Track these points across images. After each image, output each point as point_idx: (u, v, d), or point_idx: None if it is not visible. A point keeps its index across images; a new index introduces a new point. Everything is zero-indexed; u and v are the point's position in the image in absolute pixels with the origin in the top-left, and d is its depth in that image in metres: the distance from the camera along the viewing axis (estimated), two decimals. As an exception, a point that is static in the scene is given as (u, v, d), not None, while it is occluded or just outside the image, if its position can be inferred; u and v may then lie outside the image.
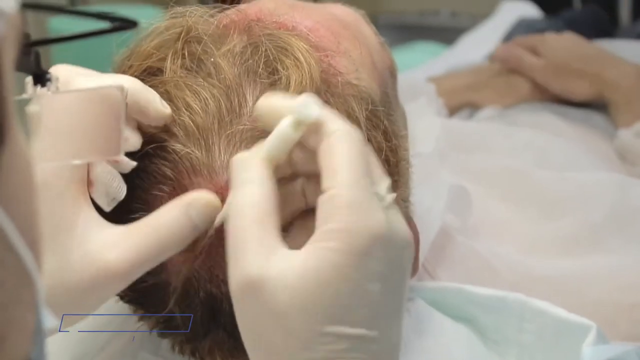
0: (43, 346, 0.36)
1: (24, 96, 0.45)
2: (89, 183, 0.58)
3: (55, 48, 1.80)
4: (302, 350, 0.51)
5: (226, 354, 0.63)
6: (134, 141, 0.59)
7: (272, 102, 0.57)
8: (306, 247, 0.52)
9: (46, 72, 0.46)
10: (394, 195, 0.54)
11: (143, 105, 0.59)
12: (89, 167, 0.58)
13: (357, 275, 0.51)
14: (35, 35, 0.48)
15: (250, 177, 0.54)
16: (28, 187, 0.35)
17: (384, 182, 0.54)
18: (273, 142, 0.55)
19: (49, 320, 0.36)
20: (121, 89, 0.52)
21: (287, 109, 0.55)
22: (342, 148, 0.53)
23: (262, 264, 0.52)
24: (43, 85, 0.46)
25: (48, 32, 2.22)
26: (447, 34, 2.12)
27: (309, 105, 0.54)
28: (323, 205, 0.52)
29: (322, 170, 0.53)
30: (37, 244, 0.35)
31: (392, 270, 0.53)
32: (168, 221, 0.57)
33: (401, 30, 2.53)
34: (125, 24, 0.46)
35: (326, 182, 0.53)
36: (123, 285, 0.58)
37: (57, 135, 0.53)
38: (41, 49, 0.49)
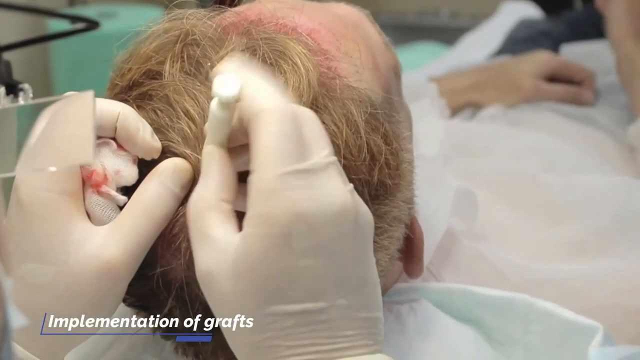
0: (11, 344, 0.35)
1: None
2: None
3: (53, 49, 1.80)
4: (252, 333, 0.54)
5: (230, 355, 0.62)
6: (127, 174, 0.59)
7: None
8: (239, 234, 0.54)
9: (18, 82, 0.45)
10: (331, 159, 0.54)
11: (132, 132, 0.59)
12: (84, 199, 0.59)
13: (282, 256, 0.53)
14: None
15: (205, 170, 0.56)
16: None
17: (322, 151, 0.54)
18: (208, 126, 0.56)
19: (17, 319, 0.36)
20: (91, 94, 0.51)
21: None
22: (264, 130, 0.53)
23: (209, 258, 0.54)
24: (16, 95, 0.45)
25: (47, 33, 2.22)
26: (446, 34, 2.11)
27: (225, 85, 0.54)
28: (248, 189, 0.54)
29: (250, 152, 0.54)
30: (1, 243, 0.35)
31: (329, 241, 0.53)
32: (149, 196, 0.58)
33: (400, 31, 2.52)
34: (88, 25, 0.45)
35: (251, 164, 0.54)
36: (129, 274, 0.58)
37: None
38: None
